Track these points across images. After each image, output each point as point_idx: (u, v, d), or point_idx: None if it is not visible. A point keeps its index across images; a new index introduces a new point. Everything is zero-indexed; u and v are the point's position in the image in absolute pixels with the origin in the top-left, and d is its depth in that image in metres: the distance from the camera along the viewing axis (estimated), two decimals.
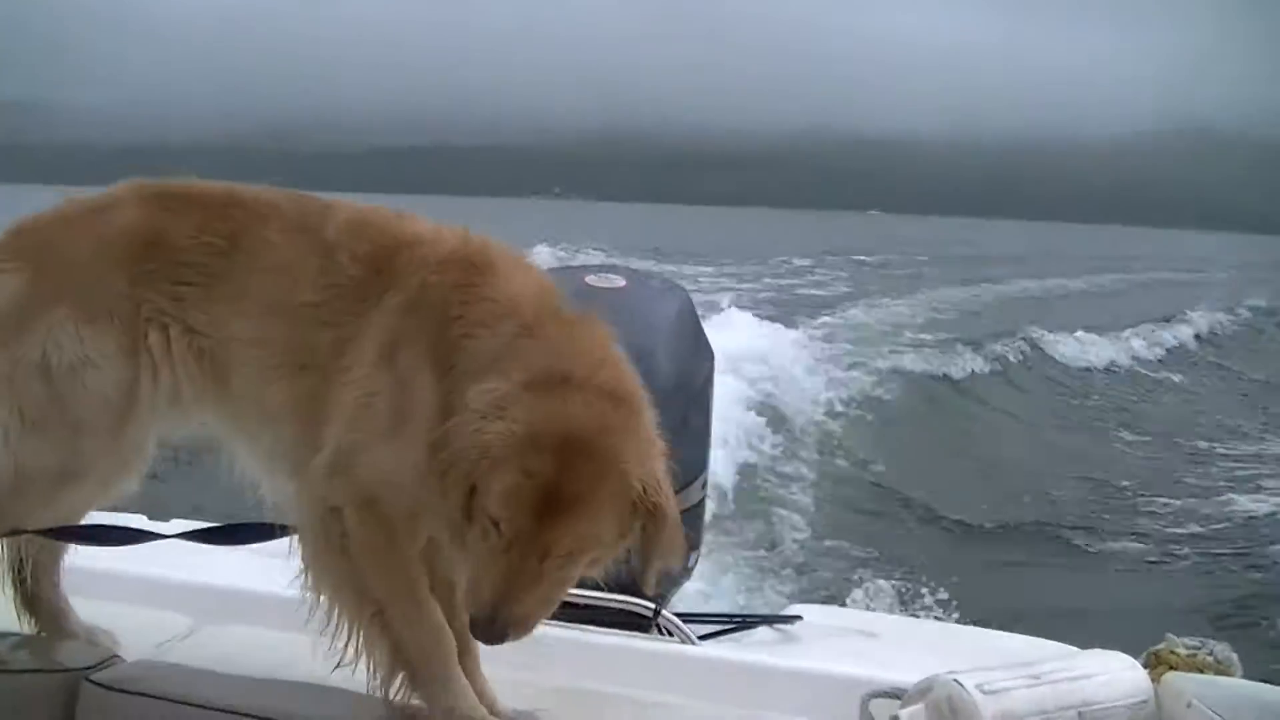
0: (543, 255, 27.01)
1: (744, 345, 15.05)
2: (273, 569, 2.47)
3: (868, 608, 9.00)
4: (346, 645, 2.26)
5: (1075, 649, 2.69)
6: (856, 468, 14.45)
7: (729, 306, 17.41)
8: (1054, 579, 11.27)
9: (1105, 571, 11.52)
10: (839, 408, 16.15)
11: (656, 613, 2.94)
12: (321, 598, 2.27)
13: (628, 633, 2.87)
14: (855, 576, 10.10)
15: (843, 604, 9.01)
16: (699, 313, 3.54)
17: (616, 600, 2.81)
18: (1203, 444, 17.97)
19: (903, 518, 12.92)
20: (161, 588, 2.72)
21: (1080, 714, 2.25)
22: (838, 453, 14.67)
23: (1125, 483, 15.00)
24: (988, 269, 42.52)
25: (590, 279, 3.39)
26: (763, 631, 3.15)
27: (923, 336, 23.38)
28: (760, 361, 15.35)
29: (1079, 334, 24.85)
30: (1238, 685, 2.49)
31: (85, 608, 2.65)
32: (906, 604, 9.24)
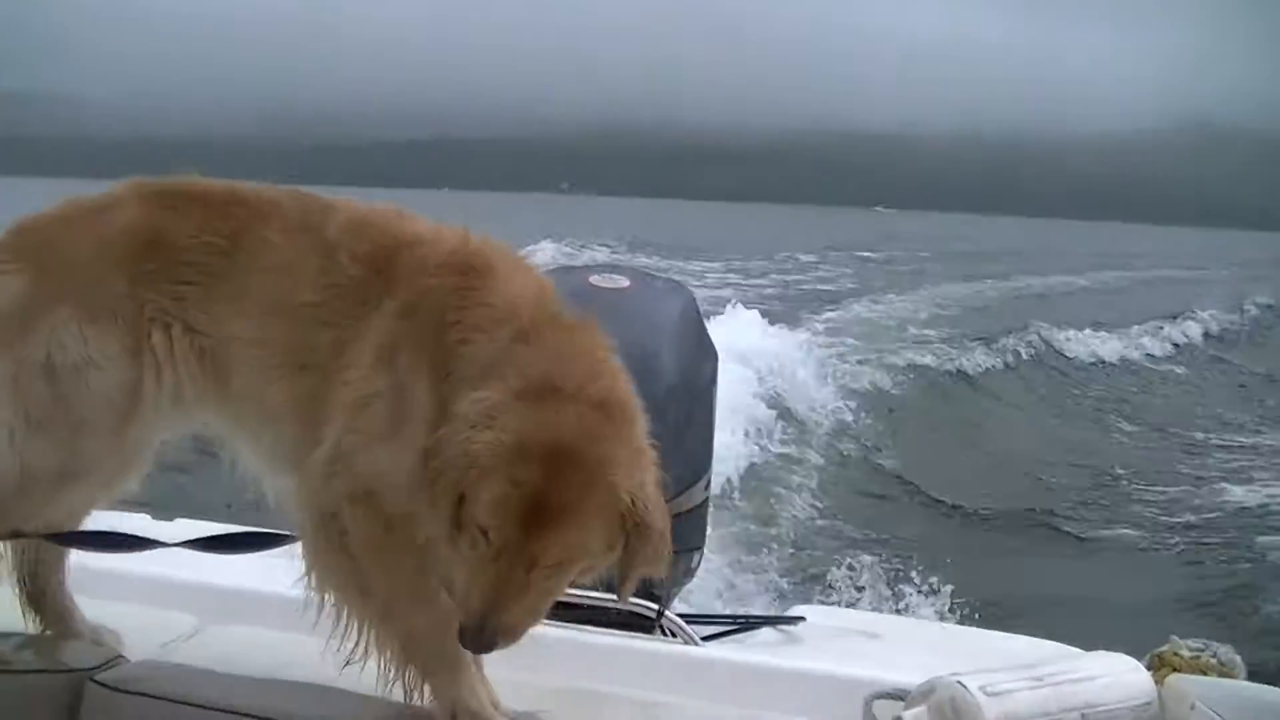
0: (547, 251, 27.23)
1: (751, 343, 15.15)
2: (277, 569, 2.47)
3: (854, 585, 9.25)
4: (355, 644, 2.26)
5: (1079, 650, 2.69)
6: (861, 454, 14.61)
7: (735, 305, 17.44)
8: (1046, 566, 11.43)
9: (1097, 558, 11.69)
10: (845, 400, 16.22)
11: (659, 613, 2.94)
12: (327, 597, 2.28)
13: (630, 633, 2.87)
14: (845, 555, 10.25)
15: (829, 582, 9.35)
16: (706, 309, 3.55)
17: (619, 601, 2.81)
18: (1199, 435, 18.16)
19: (903, 502, 13.12)
20: (166, 587, 2.72)
21: (1084, 716, 2.25)
22: (842, 439, 14.80)
23: (1121, 471, 15.18)
24: (991, 265, 42.62)
25: (594, 279, 3.39)
26: (766, 632, 3.15)
27: (927, 333, 23.44)
28: (766, 356, 15.42)
29: (1085, 330, 24.95)
30: (1241, 687, 2.49)
31: (90, 607, 2.66)
32: (892, 584, 9.32)
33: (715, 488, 3.63)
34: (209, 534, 2.55)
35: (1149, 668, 2.51)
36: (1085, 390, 21.31)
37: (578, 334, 2.18)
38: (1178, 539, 12.32)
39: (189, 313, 2.38)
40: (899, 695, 2.36)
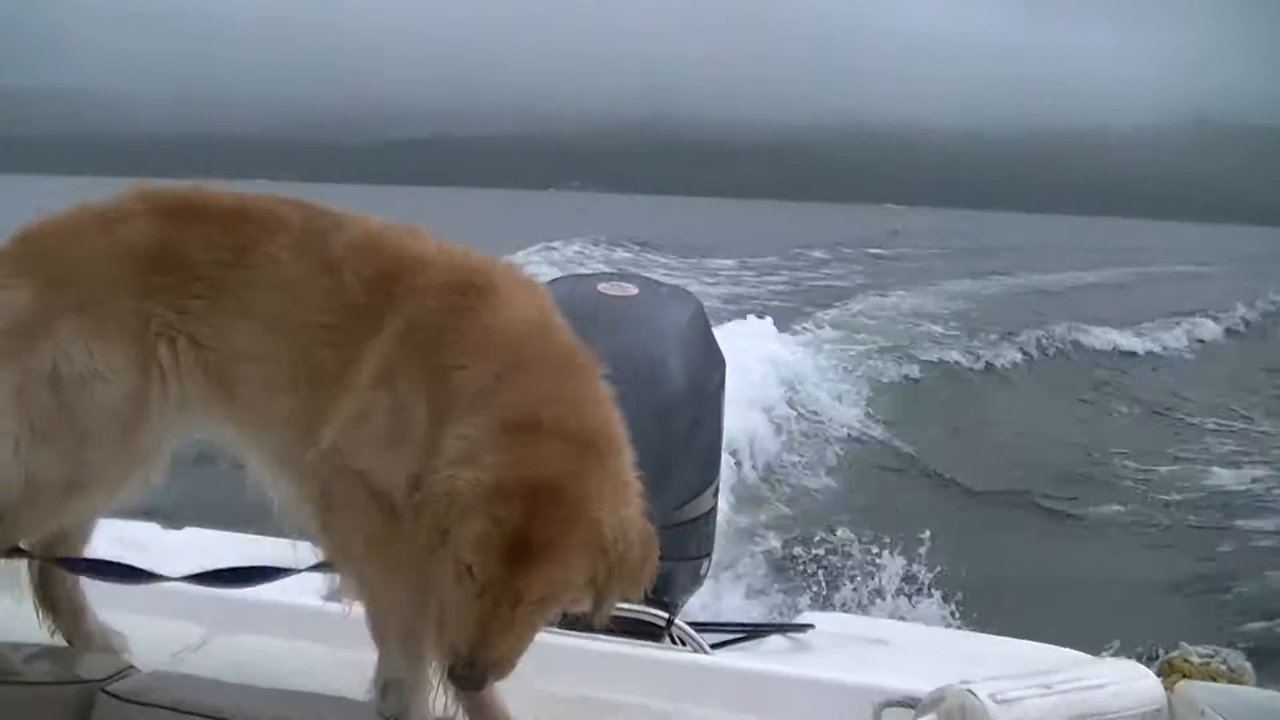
0: (557, 252, 27.36)
1: (764, 350, 15.37)
2: (285, 579, 2.48)
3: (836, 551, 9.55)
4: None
5: (1089, 656, 2.70)
6: (870, 437, 14.92)
7: (747, 317, 17.58)
8: (1034, 543, 11.93)
9: (1086, 536, 12.21)
10: (857, 390, 16.46)
11: (669, 622, 2.95)
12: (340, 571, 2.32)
13: (640, 642, 2.88)
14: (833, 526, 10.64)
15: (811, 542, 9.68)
16: (724, 311, 3.55)
17: (629, 609, 2.82)
18: (1195, 421, 18.61)
19: (910, 483, 13.62)
20: (174, 598, 2.72)
21: None
22: (854, 433, 15.00)
23: (1126, 462, 15.47)
24: (996, 261, 42.76)
25: (602, 286, 3.39)
26: (774, 640, 3.16)
27: (934, 328, 23.66)
28: (777, 362, 15.63)
29: (1095, 325, 25.12)
30: (1251, 694, 2.50)
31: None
32: (868, 547, 9.53)
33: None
34: (213, 568, 2.56)
35: (1159, 674, 2.52)
36: (1096, 382, 21.48)
37: (567, 365, 2.18)
38: (1162, 519, 12.78)
39: (194, 327, 2.38)
40: (909, 703, 2.37)
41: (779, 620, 4.21)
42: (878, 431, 15.20)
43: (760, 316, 17.70)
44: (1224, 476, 14.83)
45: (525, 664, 2.07)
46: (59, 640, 2.61)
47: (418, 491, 2.06)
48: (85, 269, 2.38)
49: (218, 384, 2.39)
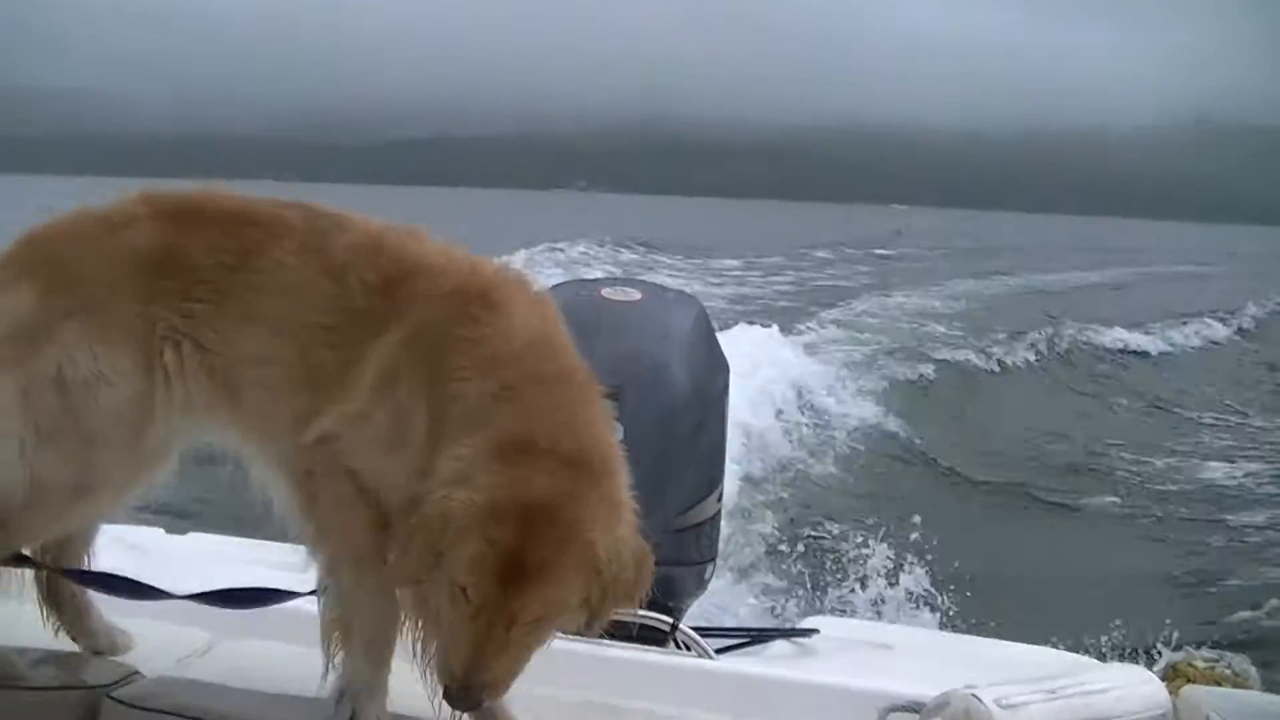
0: (563, 253, 27.41)
1: (769, 354, 15.43)
2: (290, 584, 2.49)
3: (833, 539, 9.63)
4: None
5: (1094, 661, 2.71)
6: (875, 435, 15.02)
7: (753, 324, 17.65)
8: (1031, 533, 12.17)
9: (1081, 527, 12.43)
10: (861, 389, 16.52)
11: (674, 627, 2.95)
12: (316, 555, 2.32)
13: (645, 647, 2.88)
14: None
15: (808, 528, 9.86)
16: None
17: (634, 614, 2.82)
18: (1191, 415, 18.84)
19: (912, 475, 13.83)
20: (179, 603, 2.72)
21: None
22: (862, 430, 15.11)
23: (1123, 454, 15.70)
24: (997, 261, 42.92)
25: (606, 291, 3.39)
26: (779, 645, 3.16)
27: (939, 328, 23.81)
28: (785, 354, 15.84)
29: (1097, 325, 25.21)
30: (1255, 698, 2.50)
31: None
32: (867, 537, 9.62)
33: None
34: (219, 588, 2.56)
35: (1163, 679, 2.52)
36: (1097, 380, 21.59)
37: (567, 384, 2.18)
38: (1156, 511, 12.95)
39: (199, 331, 2.38)
40: (914, 708, 2.37)
41: (783, 625, 4.21)
42: (884, 427, 15.29)
43: (766, 325, 17.75)
44: (1218, 471, 15.04)
45: (530, 669, 2.07)
46: (64, 645, 2.61)
47: (412, 513, 2.06)
48: (90, 272, 2.38)
49: (222, 388, 2.39)
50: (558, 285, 3.37)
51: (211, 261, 2.38)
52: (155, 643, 2.63)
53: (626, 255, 31.86)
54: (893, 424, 15.40)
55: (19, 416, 2.33)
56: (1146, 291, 36.20)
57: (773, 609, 8.60)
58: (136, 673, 2.44)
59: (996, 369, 20.27)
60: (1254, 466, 15.32)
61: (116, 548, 2.82)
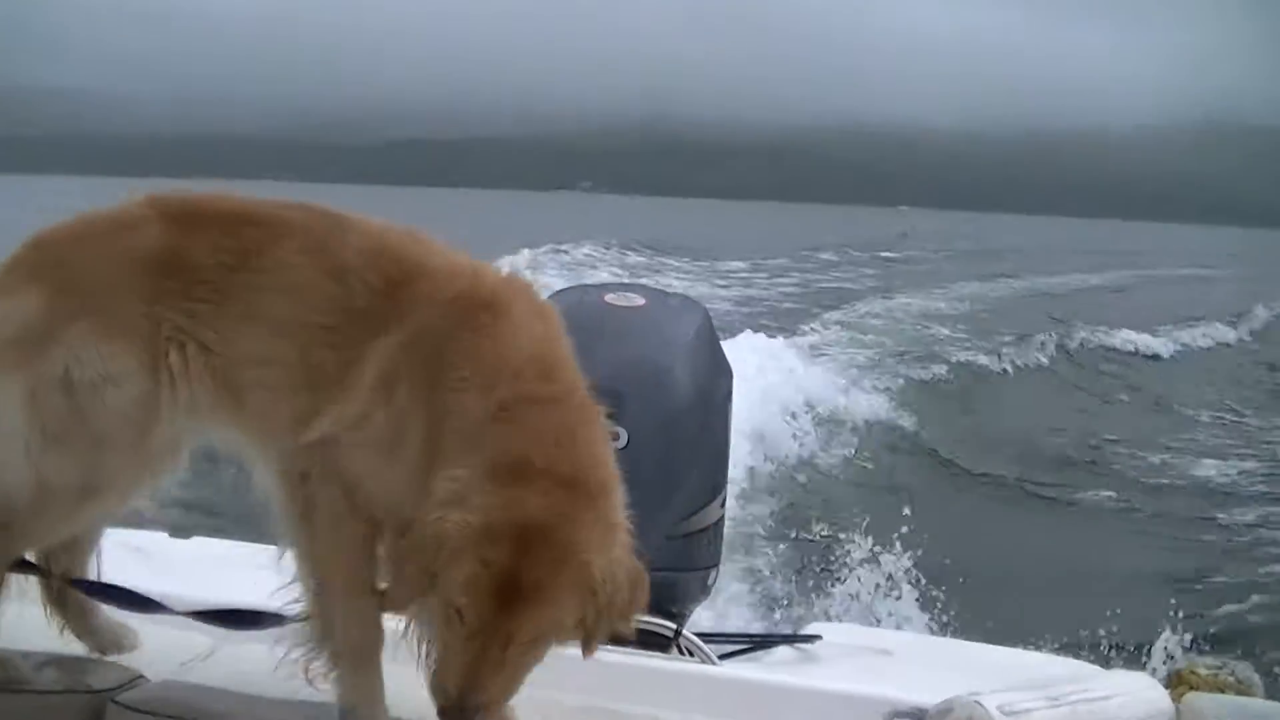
0: (568, 255, 27.48)
1: (774, 359, 15.58)
2: (291, 589, 2.48)
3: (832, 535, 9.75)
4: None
5: (1097, 668, 2.71)
6: (880, 433, 15.31)
7: (758, 333, 17.74)
8: (1027, 525, 12.56)
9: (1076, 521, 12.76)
10: (865, 389, 16.69)
11: (677, 632, 2.95)
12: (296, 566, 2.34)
13: (648, 652, 2.87)
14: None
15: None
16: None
17: (637, 620, 2.82)
18: (1188, 413, 19.23)
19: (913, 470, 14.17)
20: (182, 607, 2.72)
21: None
22: (870, 430, 15.31)
23: (1118, 449, 16.03)
24: (1001, 263, 43.23)
25: (609, 297, 3.38)
26: (782, 651, 3.16)
27: (944, 330, 24.00)
28: (789, 357, 16.02)
29: (1100, 326, 25.47)
30: (1259, 705, 2.50)
31: None
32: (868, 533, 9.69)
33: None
34: (218, 607, 2.58)
35: (1166, 685, 2.52)
36: (1099, 380, 21.79)
37: (566, 402, 2.17)
38: (1149, 508, 13.25)
39: (203, 331, 2.39)
40: (917, 714, 2.36)
41: (786, 631, 4.21)
42: (892, 429, 15.49)
43: (771, 336, 17.84)
44: (1211, 467, 15.33)
45: (533, 674, 2.08)
46: (69, 648, 2.62)
47: (407, 534, 2.07)
48: (96, 275, 2.39)
49: (225, 389, 2.40)
50: (561, 290, 3.38)
51: (212, 262, 2.39)
52: (158, 647, 2.64)
53: (633, 258, 31.96)
54: (901, 424, 15.61)
55: (27, 418, 2.34)
56: (1149, 294, 36.43)
57: (772, 609, 8.65)
58: (140, 676, 2.45)
59: (1002, 371, 20.54)
60: (1248, 465, 15.58)
61: (120, 551, 2.82)
